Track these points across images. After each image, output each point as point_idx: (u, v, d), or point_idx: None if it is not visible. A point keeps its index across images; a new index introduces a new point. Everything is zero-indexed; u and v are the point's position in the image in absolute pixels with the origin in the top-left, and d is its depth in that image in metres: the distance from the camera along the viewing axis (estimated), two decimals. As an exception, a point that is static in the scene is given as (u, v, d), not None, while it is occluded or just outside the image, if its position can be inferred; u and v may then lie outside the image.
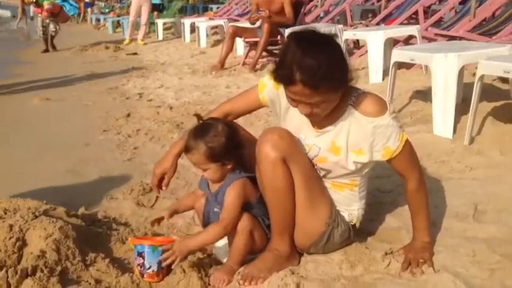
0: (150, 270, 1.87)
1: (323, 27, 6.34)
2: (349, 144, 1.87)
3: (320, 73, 1.64)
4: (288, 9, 6.57)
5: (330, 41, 1.74)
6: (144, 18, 11.46)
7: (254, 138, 2.16)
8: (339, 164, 1.91)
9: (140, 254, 1.87)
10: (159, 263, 1.87)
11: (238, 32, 6.96)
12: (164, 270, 1.90)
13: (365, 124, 1.82)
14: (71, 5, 11.11)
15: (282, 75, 1.73)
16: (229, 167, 1.97)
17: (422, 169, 1.98)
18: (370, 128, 1.82)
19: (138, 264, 1.88)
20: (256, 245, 1.98)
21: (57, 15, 10.53)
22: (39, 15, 10.53)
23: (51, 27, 10.50)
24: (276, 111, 2.04)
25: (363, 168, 1.95)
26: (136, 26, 11.72)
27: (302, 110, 1.78)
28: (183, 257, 1.90)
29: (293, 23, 6.74)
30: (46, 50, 10.77)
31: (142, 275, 1.88)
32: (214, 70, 6.77)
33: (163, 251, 1.88)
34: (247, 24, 7.22)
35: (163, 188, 2.11)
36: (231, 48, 6.99)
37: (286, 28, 6.38)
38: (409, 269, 1.89)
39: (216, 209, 2.01)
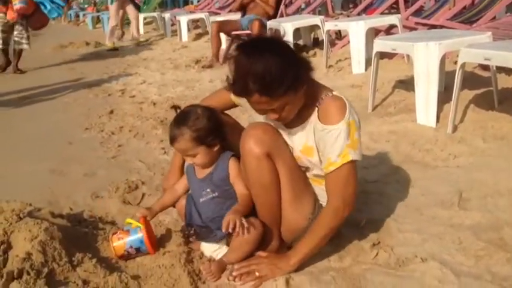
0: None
1: (303, 19, 6.35)
2: (317, 144, 1.85)
3: (270, 78, 1.63)
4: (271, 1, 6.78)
5: (274, 44, 1.72)
6: (133, 13, 10.15)
7: (236, 123, 2.17)
8: (313, 163, 1.89)
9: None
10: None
11: (222, 28, 6.93)
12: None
13: (319, 129, 1.81)
14: (53, 2, 7.53)
15: (237, 90, 1.73)
16: (216, 148, 1.96)
17: (349, 204, 1.83)
18: (320, 133, 1.80)
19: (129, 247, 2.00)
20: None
21: (29, 17, 7.12)
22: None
23: (17, 36, 7.09)
24: (248, 110, 2.01)
25: None
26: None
27: (270, 117, 1.79)
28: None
29: (274, 14, 6.76)
30: (4, 68, 7.49)
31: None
32: (212, 64, 6.74)
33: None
34: (228, 16, 7.18)
35: None
36: (219, 43, 6.98)
37: (268, 19, 6.41)
38: (241, 275, 1.84)
39: (203, 197, 1.99)
